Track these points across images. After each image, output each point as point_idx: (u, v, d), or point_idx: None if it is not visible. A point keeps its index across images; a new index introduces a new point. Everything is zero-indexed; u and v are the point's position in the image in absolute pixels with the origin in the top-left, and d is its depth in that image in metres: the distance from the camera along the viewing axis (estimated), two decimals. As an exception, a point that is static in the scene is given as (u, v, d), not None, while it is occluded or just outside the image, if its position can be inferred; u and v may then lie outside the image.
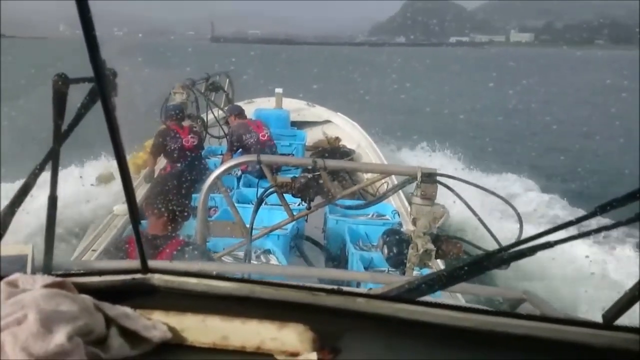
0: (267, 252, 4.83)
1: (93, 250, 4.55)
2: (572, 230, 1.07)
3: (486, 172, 11.77)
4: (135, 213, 1.20)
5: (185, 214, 3.77)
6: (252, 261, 4.29)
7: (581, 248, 7.28)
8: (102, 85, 0.95)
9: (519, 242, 1.10)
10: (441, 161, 11.86)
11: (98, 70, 0.93)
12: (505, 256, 1.11)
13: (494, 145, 17.88)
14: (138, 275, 1.25)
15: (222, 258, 3.90)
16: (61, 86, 1.07)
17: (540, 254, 1.07)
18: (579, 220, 1.03)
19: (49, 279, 1.12)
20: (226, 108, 8.30)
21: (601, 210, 0.99)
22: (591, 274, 6.86)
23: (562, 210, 10.02)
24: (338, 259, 5.52)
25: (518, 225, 3.19)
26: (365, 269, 4.71)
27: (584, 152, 17.82)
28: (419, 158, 12.46)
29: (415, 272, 3.23)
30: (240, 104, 10.65)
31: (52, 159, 1.13)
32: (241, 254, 4.10)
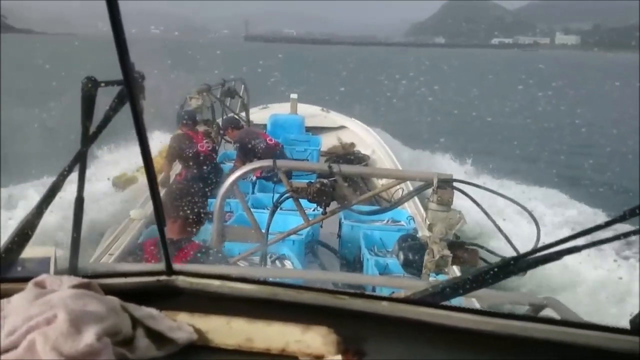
0: (283, 257, 4.84)
1: (110, 255, 4.59)
2: (599, 235, 1.06)
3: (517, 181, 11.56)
4: (161, 215, 1.21)
5: (201, 218, 3.79)
6: (267, 266, 4.30)
7: (608, 253, 7.18)
8: (131, 89, 0.96)
9: (545, 247, 1.09)
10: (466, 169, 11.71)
11: (127, 74, 0.94)
12: (531, 260, 1.11)
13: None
14: (162, 277, 1.26)
15: (238, 263, 3.91)
16: (90, 89, 1.08)
17: (566, 259, 1.06)
18: (607, 224, 1.03)
19: (76, 280, 1.13)
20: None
21: (630, 214, 0.98)
22: (619, 279, 6.76)
23: (587, 217, 9.88)
24: (353, 265, 5.52)
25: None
26: (381, 274, 4.70)
27: (614, 155, 17.49)
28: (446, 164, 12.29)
29: (431, 279, 3.22)
30: (255, 109, 10.72)
31: (80, 161, 1.15)
32: (256, 259, 4.11)
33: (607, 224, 1.02)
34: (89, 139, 1.13)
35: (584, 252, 1.04)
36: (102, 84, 1.10)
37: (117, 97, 1.08)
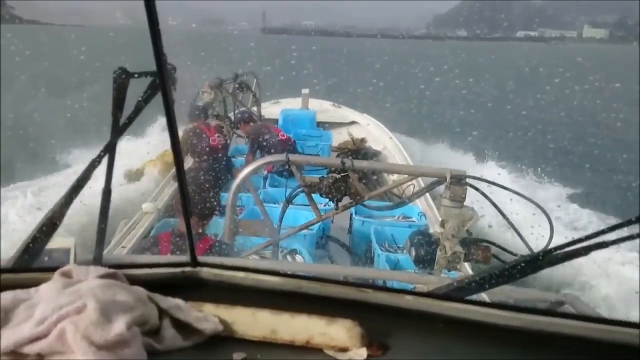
0: (294, 251, 4.84)
1: (122, 247, 4.59)
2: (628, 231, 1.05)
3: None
4: (188, 208, 1.21)
5: (213, 211, 3.81)
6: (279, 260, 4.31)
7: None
8: (164, 80, 0.97)
9: (574, 242, 1.09)
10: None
11: (160, 65, 0.95)
12: (560, 255, 1.10)
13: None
14: (187, 269, 1.27)
15: (249, 257, 3.92)
16: (123, 80, 1.09)
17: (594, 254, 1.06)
18: (638, 219, 1.02)
19: (102, 270, 1.14)
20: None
21: None
22: None
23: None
24: (364, 260, 5.51)
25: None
26: (392, 270, 4.69)
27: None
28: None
29: (443, 275, 3.21)
30: (266, 104, 10.70)
31: (109, 152, 1.15)
32: (268, 253, 4.12)
33: (638, 219, 1.02)
34: (119, 130, 1.13)
35: (613, 248, 1.04)
36: (135, 75, 1.10)
37: (149, 87, 1.08)
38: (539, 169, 11.93)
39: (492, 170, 10.93)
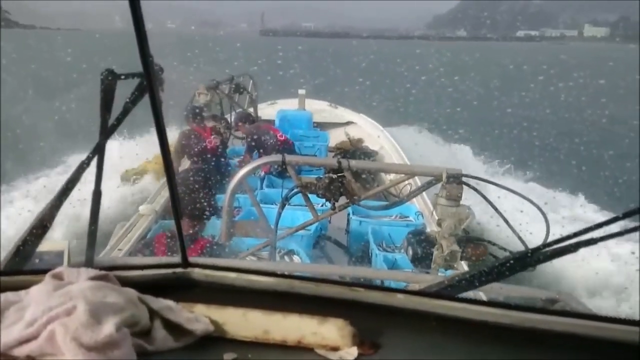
0: (291, 252, 4.84)
1: (119, 250, 4.58)
2: (616, 227, 1.05)
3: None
4: (178, 209, 1.22)
5: (209, 213, 3.80)
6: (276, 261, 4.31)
7: (626, 244, 7.06)
8: (151, 81, 0.97)
9: (562, 239, 1.09)
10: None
11: (147, 66, 0.95)
12: (548, 252, 1.10)
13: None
14: (178, 270, 1.27)
15: (246, 258, 3.91)
16: (110, 81, 1.09)
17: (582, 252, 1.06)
18: (625, 215, 1.02)
19: (93, 272, 1.14)
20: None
21: None
22: (636, 271, 6.66)
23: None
24: (361, 260, 5.51)
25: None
26: (389, 270, 4.69)
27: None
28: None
29: (440, 274, 3.21)
30: (263, 105, 10.68)
31: (98, 154, 1.15)
32: (265, 254, 4.11)
33: (625, 216, 1.02)
34: (107, 131, 1.13)
35: (601, 245, 1.04)
36: (122, 77, 1.10)
37: (136, 89, 1.08)
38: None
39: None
